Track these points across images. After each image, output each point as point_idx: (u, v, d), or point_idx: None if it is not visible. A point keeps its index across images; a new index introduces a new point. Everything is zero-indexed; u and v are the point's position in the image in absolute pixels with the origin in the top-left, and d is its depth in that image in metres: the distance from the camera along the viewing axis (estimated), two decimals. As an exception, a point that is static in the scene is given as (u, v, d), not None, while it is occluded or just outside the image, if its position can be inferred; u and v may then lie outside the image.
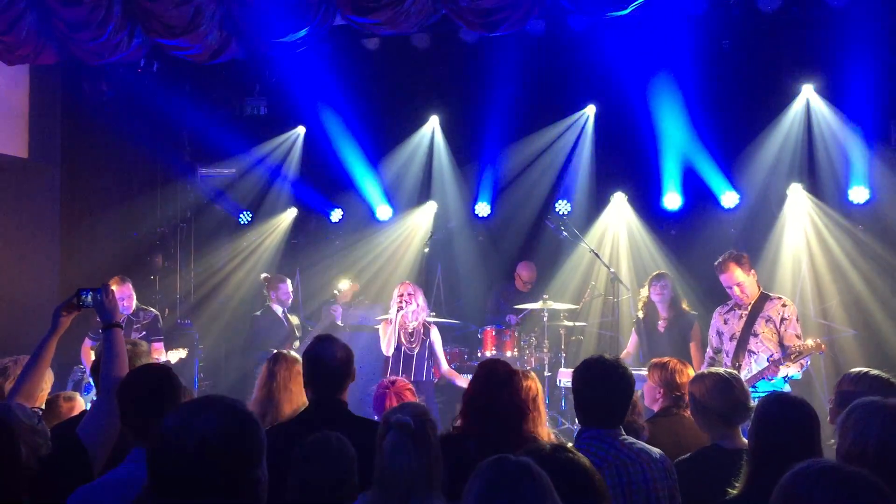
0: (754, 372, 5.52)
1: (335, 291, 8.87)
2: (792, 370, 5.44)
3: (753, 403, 3.60)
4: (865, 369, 3.63)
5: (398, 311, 6.69)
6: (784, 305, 5.65)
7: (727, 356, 5.75)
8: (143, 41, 6.87)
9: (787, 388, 5.50)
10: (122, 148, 9.13)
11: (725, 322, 5.84)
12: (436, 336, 6.87)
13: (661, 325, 7.17)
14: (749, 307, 5.70)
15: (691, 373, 4.14)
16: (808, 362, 5.53)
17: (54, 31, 6.84)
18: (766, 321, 5.62)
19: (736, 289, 5.71)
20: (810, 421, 2.91)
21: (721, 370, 3.66)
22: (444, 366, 6.89)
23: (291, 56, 7.39)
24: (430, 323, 6.95)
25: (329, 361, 3.50)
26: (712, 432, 3.50)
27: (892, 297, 7.64)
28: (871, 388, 3.37)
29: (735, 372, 3.70)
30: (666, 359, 4.29)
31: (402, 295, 6.72)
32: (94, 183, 8.99)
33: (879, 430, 2.39)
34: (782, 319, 5.59)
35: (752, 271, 5.77)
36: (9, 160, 8.36)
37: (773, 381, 5.44)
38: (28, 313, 7.90)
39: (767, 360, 5.53)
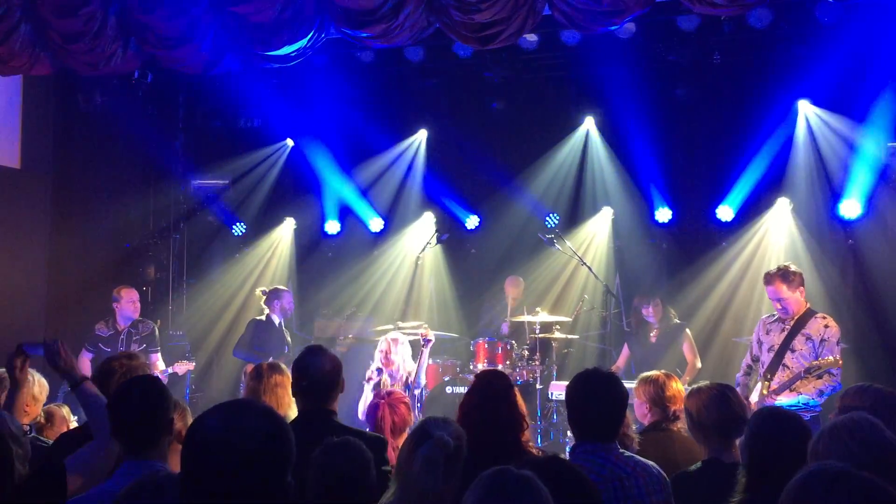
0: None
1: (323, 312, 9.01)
2: (806, 392, 5.27)
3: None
4: (868, 383, 3.63)
5: (379, 372, 6.64)
6: (826, 326, 5.47)
7: (763, 367, 5.66)
8: (137, 53, 6.86)
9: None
10: (114, 159, 9.12)
11: (767, 332, 5.73)
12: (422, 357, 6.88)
13: (653, 336, 7.38)
14: (793, 321, 5.58)
15: (678, 386, 4.09)
16: (831, 389, 5.29)
17: (48, 43, 6.82)
18: (806, 339, 5.47)
19: (778, 304, 5.61)
20: (804, 435, 2.91)
21: (715, 383, 3.61)
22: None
23: (286, 68, 7.39)
24: (425, 342, 6.94)
25: (314, 373, 3.56)
26: (710, 446, 3.47)
27: (876, 309, 7.63)
28: (874, 401, 3.38)
29: (730, 385, 3.67)
30: (653, 373, 4.20)
31: (382, 352, 6.68)
32: (87, 194, 8.96)
33: None
34: (822, 340, 5.42)
35: (801, 289, 5.60)
36: (1, 170, 8.34)
37: (797, 399, 5.30)
38: (18, 323, 7.86)
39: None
